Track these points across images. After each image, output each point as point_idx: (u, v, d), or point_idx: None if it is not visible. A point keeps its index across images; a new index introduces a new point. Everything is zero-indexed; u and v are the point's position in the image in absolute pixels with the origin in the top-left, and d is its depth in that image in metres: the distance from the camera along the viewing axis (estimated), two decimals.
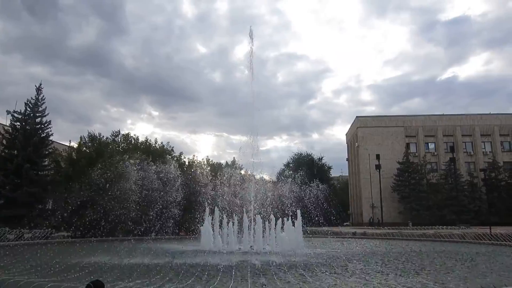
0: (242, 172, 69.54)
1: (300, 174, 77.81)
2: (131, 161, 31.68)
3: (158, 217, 33.56)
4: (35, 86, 34.65)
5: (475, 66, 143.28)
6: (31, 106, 34.02)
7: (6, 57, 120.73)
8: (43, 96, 34.80)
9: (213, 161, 47.22)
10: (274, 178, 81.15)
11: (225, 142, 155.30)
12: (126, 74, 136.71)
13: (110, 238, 29.52)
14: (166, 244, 20.47)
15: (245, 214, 18.20)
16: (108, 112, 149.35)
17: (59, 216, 29.63)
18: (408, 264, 11.36)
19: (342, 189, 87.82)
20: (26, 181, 31.22)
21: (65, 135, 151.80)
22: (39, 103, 34.40)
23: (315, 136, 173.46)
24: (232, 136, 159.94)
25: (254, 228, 18.09)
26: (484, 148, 63.84)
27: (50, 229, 27.68)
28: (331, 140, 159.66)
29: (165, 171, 32.01)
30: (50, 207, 36.47)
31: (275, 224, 17.81)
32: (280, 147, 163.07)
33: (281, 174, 77.83)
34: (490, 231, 31.50)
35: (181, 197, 32.67)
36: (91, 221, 31.67)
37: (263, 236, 17.71)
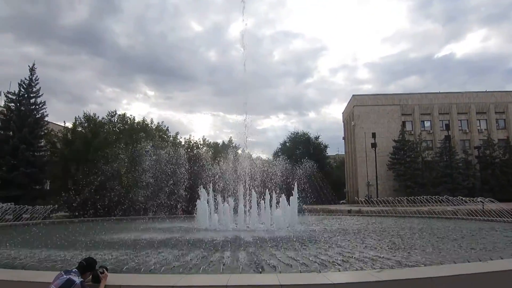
0: (239, 151, 69.60)
1: (296, 153, 78.28)
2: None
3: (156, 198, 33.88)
4: (29, 66, 34.34)
5: (472, 43, 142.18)
6: (25, 86, 33.77)
7: None
8: (37, 76, 34.55)
9: (210, 141, 47.28)
10: (271, 157, 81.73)
11: (221, 121, 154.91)
12: (121, 53, 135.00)
13: (108, 218, 29.81)
14: (162, 224, 20.67)
15: (240, 193, 18.40)
16: (103, 92, 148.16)
17: (63, 197, 29.76)
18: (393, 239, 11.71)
19: (338, 167, 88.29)
20: (22, 162, 31.25)
21: (60, 115, 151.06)
22: (33, 84, 34.15)
23: (312, 115, 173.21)
24: (229, 116, 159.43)
25: (249, 207, 18.30)
26: (480, 125, 64.00)
27: (51, 206, 27.76)
28: (327, 119, 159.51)
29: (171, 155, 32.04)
30: (48, 188, 36.72)
31: (270, 202, 18.04)
32: (277, 126, 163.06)
33: (277, 153, 78.64)
34: (483, 208, 32.07)
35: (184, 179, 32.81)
36: (89, 201, 32.04)
37: (258, 214, 17.95)
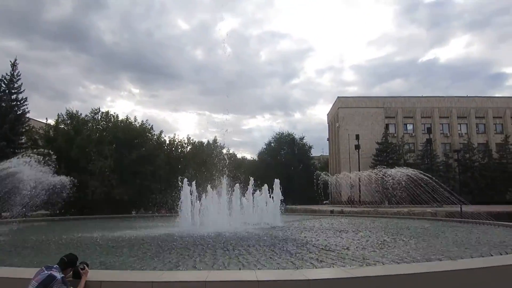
0: (224, 151, 69.48)
1: (281, 153, 78.23)
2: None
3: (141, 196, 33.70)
4: (10, 62, 33.78)
5: (456, 48, 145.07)
6: (6, 82, 33.23)
7: None
8: (19, 72, 34.04)
9: (194, 140, 47.15)
10: (256, 157, 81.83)
11: (207, 120, 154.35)
12: (105, 50, 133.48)
13: (89, 216, 29.58)
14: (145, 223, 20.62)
15: (223, 193, 18.48)
16: (87, 89, 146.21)
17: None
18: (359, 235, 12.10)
19: (322, 168, 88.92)
20: (2, 159, 30.66)
21: (42, 112, 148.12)
22: (14, 79, 33.64)
23: (297, 115, 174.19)
24: (214, 115, 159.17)
25: (231, 207, 18.38)
26: (460, 129, 65.43)
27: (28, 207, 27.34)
28: (313, 120, 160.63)
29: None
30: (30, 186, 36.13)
31: (253, 201, 18.27)
32: (262, 126, 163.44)
33: (262, 153, 78.83)
34: (461, 210, 32.91)
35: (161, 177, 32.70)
36: (70, 201, 31.66)
37: (242, 214, 18.14)
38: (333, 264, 6.77)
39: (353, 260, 7.24)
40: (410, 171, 35.45)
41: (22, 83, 33.90)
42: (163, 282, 4.93)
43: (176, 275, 5.42)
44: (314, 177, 51.06)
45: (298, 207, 49.17)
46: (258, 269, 6.17)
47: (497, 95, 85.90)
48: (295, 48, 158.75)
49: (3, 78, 33.12)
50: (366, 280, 4.95)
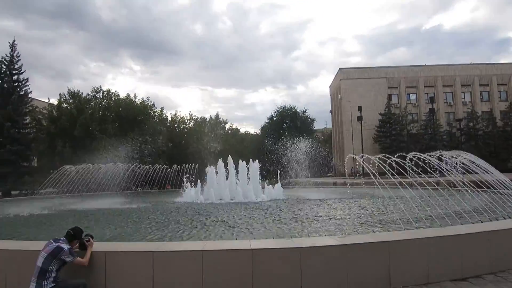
0: (227, 126, 69.84)
1: (283, 127, 78.22)
2: None
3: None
4: (9, 43, 33.73)
5: (461, 13, 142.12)
6: (6, 63, 33.29)
7: None
8: (18, 53, 33.99)
9: (197, 116, 47.28)
10: (259, 131, 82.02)
11: (209, 95, 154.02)
12: (104, 27, 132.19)
13: (98, 192, 30.21)
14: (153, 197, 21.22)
15: (230, 168, 19.02)
16: (88, 67, 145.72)
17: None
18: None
19: (326, 141, 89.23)
20: (8, 139, 31.19)
21: (44, 91, 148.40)
22: (14, 60, 33.65)
23: (300, 88, 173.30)
24: (217, 90, 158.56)
25: (236, 181, 18.87)
26: (464, 98, 64.97)
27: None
28: (316, 92, 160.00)
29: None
30: (35, 165, 36.74)
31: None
32: (265, 100, 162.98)
33: (265, 127, 78.93)
34: (463, 179, 33.24)
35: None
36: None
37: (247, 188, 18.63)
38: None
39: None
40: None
41: (22, 64, 33.90)
42: (163, 251, 5.28)
43: (174, 245, 5.76)
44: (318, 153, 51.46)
45: (301, 179, 49.68)
46: (253, 239, 6.51)
47: (502, 62, 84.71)
48: (296, 19, 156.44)
49: (3, 60, 33.14)
50: (354, 247, 5.30)
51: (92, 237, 5.56)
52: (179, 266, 5.17)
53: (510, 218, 8.50)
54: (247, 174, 18.82)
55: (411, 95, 65.69)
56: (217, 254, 5.23)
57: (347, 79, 65.32)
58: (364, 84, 64.16)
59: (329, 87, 78.31)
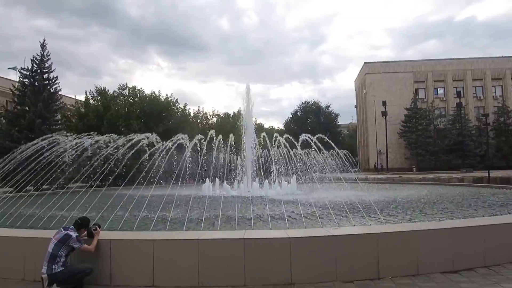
0: (252, 121, 69.74)
1: (307, 122, 77.86)
2: None
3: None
4: (40, 42, 35.11)
5: (496, 3, 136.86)
6: (37, 62, 34.71)
7: (9, 10, 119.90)
8: (48, 52, 35.31)
9: (219, 112, 47.97)
10: (283, 127, 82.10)
11: (235, 91, 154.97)
12: (132, 24, 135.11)
13: (125, 186, 31.26)
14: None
15: (248, 165, 19.42)
16: (117, 64, 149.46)
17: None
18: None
19: (351, 136, 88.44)
20: (39, 136, 32.57)
21: (75, 88, 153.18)
22: (44, 59, 35.03)
23: (327, 83, 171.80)
24: (242, 85, 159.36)
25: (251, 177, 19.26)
26: (495, 92, 62.98)
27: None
28: (343, 87, 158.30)
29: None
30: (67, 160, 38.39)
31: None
32: (291, 95, 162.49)
33: (288, 122, 78.98)
34: (489, 175, 32.36)
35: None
36: (105, 172, 33.43)
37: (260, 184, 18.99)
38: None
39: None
40: None
41: (52, 63, 35.24)
42: (162, 240, 5.69)
43: (172, 235, 6.15)
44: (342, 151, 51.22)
45: (324, 175, 49.50)
46: (288, 228, 6.88)
47: None
48: (323, 12, 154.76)
49: (34, 59, 34.56)
50: (344, 238, 5.56)
51: (100, 227, 6.02)
52: (177, 253, 5.57)
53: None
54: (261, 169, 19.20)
55: (438, 89, 64.23)
56: (212, 243, 5.60)
57: (372, 73, 64.47)
58: (389, 79, 63.15)
59: (354, 81, 77.45)
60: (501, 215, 8.46)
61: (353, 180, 37.06)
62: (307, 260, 5.50)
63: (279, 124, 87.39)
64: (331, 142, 19.78)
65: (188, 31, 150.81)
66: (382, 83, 63.19)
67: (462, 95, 59.88)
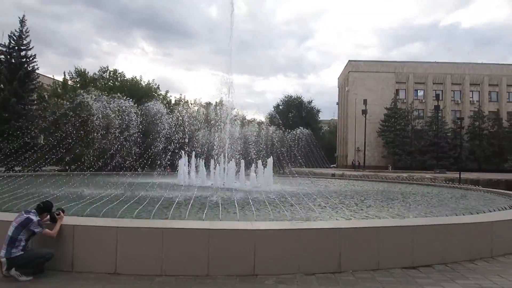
0: (234, 112, 69.47)
1: (289, 116, 78.09)
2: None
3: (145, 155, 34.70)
4: (19, 18, 33.92)
5: (481, 11, 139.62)
6: (15, 39, 33.58)
7: None
8: (27, 28, 34.23)
9: (200, 100, 47.48)
10: (264, 120, 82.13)
11: (220, 81, 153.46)
12: (119, 6, 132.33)
13: (98, 172, 30.78)
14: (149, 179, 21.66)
15: (222, 155, 19.27)
16: (100, 46, 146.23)
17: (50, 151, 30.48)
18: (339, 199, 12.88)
19: (331, 132, 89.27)
20: (13, 115, 31.71)
21: (55, 68, 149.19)
22: (23, 36, 33.91)
23: (311, 78, 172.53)
24: (228, 75, 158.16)
25: (226, 167, 19.10)
26: (472, 97, 64.48)
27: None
28: (327, 83, 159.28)
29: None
30: (42, 142, 37.43)
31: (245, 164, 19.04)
32: (276, 88, 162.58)
33: (271, 115, 79.08)
34: (460, 176, 33.44)
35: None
36: (80, 156, 32.79)
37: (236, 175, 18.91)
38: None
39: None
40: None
41: (31, 40, 34.15)
42: (126, 227, 5.67)
43: (137, 223, 6.11)
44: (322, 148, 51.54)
45: (302, 169, 49.91)
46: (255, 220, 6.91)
47: None
48: (312, 7, 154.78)
49: (12, 35, 33.41)
50: (306, 232, 5.65)
51: (63, 211, 5.91)
52: (141, 242, 5.54)
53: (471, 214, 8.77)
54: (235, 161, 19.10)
55: (418, 91, 65.35)
56: (177, 232, 5.61)
57: (355, 71, 65.04)
58: (372, 78, 63.88)
59: (338, 78, 78.00)
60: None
61: (329, 176, 37.50)
62: (271, 252, 5.57)
63: (262, 117, 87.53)
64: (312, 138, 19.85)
65: (176, 16, 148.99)
66: (365, 82, 63.87)
67: (441, 98, 61.11)
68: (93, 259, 5.58)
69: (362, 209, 10.00)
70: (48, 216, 5.82)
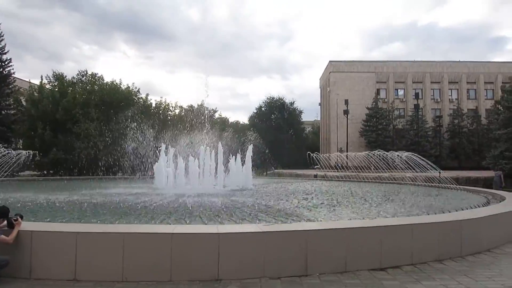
0: (216, 115, 69.64)
1: (271, 117, 77.78)
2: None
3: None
4: None
5: (457, 10, 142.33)
6: None
7: None
8: (2, 32, 33.59)
9: (181, 104, 47.29)
10: (247, 121, 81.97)
11: (203, 83, 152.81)
12: (98, 9, 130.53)
13: (77, 177, 30.26)
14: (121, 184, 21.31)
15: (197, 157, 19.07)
16: (81, 50, 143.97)
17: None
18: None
19: (315, 133, 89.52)
20: None
21: (35, 73, 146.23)
22: None
23: (295, 79, 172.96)
24: (211, 78, 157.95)
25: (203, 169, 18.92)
26: (451, 95, 65.44)
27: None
28: (310, 84, 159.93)
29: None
30: (20, 147, 36.59)
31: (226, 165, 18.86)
32: (259, 90, 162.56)
33: (253, 117, 79.01)
34: (439, 175, 33.83)
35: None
36: (59, 161, 32.15)
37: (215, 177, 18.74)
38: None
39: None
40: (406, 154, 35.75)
41: (5, 44, 33.58)
42: (86, 233, 5.49)
43: (97, 227, 5.96)
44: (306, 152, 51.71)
45: (285, 171, 50.02)
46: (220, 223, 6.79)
47: (491, 60, 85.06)
48: (293, 8, 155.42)
49: None
50: (272, 234, 5.59)
51: (22, 217, 5.71)
52: (101, 247, 5.38)
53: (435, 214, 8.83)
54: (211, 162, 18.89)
55: (399, 90, 66.06)
56: (138, 237, 5.46)
57: (336, 72, 65.39)
58: (353, 78, 64.32)
59: (319, 79, 78.36)
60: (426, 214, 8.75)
61: (311, 177, 37.59)
62: (236, 256, 5.46)
63: (245, 119, 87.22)
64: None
65: (157, 20, 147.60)
66: (346, 82, 64.25)
67: (421, 97, 61.81)
68: (52, 266, 5.40)
69: (335, 209, 10.00)
70: (5, 222, 5.61)
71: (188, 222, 7.42)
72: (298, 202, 11.73)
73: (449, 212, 8.82)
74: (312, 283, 5.36)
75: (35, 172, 34.77)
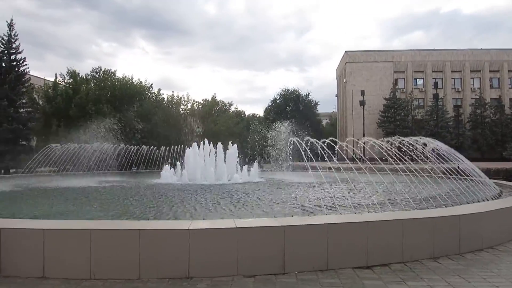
0: (232, 108, 69.56)
1: (286, 110, 77.50)
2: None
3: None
4: (7, 22, 33.87)
5: None
6: (4, 43, 33.57)
7: None
8: (16, 32, 34.16)
9: (194, 98, 47.27)
10: (262, 114, 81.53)
11: (221, 77, 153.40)
12: (116, 6, 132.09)
13: (93, 171, 30.65)
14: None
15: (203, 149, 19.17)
16: (100, 47, 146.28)
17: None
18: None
19: (333, 125, 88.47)
20: (5, 118, 31.68)
21: (57, 71, 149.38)
22: (12, 40, 33.85)
23: (313, 71, 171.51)
24: (228, 71, 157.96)
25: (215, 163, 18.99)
26: (473, 84, 63.50)
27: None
28: (329, 75, 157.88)
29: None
30: (35, 144, 37.36)
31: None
32: (278, 83, 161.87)
33: (268, 110, 78.44)
34: (458, 167, 32.77)
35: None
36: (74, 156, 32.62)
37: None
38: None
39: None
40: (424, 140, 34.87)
41: (20, 43, 34.12)
42: (53, 229, 5.34)
43: (64, 224, 5.80)
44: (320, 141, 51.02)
45: (300, 163, 49.38)
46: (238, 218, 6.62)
47: None
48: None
49: (0, 40, 33.42)
50: (248, 230, 5.29)
51: None
52: (68, 244, 5.22)
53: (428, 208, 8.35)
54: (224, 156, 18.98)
55: (418, 80, 64.47)
56: (105, 233, 5.27)
57: (352, 62, 64.25)
58: (369, 68, 63.07)
59: (336, 70, 77.19)
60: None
61: (336, 169, 37.06)
62: (207, 252, 5.19)
63: (262, 112, 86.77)
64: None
65: (174, 15, 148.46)
66: (362, 72, 63.11)
67: (441, 86, 60.14)
68: (21, 263, 5.26)
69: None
70: None
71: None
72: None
73: (445, 206, 8.32)
74: (287, 282, 5.04)
75: (53, 168, 35.42)
